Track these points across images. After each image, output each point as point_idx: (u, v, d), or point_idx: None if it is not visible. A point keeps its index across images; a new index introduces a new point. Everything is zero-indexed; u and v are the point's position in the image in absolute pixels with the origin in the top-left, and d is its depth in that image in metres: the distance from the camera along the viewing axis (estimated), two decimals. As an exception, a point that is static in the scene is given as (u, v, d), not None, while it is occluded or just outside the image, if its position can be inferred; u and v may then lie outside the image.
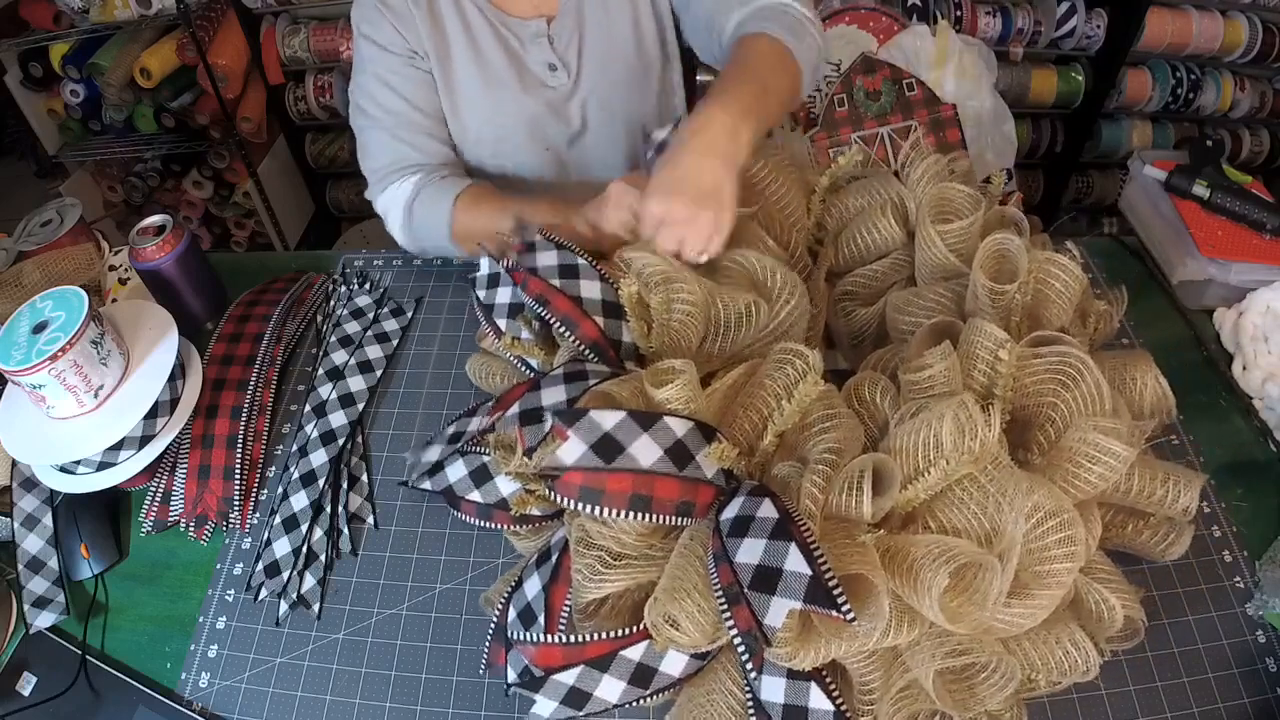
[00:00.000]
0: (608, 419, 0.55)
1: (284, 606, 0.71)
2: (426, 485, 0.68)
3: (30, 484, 0.79)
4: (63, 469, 0.74)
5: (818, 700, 0.52)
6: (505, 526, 0.66)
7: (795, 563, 0.49)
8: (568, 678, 0.54)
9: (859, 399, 0.65)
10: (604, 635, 0.54)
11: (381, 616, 0.71)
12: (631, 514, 0.54)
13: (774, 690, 0.52)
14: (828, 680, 0.53)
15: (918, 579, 0.51)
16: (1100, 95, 1.99)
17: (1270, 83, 2.06)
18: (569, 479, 0.54)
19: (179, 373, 0.78)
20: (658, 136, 0.82)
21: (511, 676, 0.59)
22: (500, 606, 0.62)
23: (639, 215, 0.71)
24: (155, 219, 0.90)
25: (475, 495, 0.66)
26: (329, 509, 0.76)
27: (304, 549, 0.73)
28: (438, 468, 0.69)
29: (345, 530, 0.76)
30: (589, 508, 0.54)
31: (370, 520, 0.77)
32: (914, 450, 0.55)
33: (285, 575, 0.72)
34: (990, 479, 0.54)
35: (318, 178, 2.32)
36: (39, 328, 0.70)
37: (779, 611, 0.48)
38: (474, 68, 0.94)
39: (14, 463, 0.80)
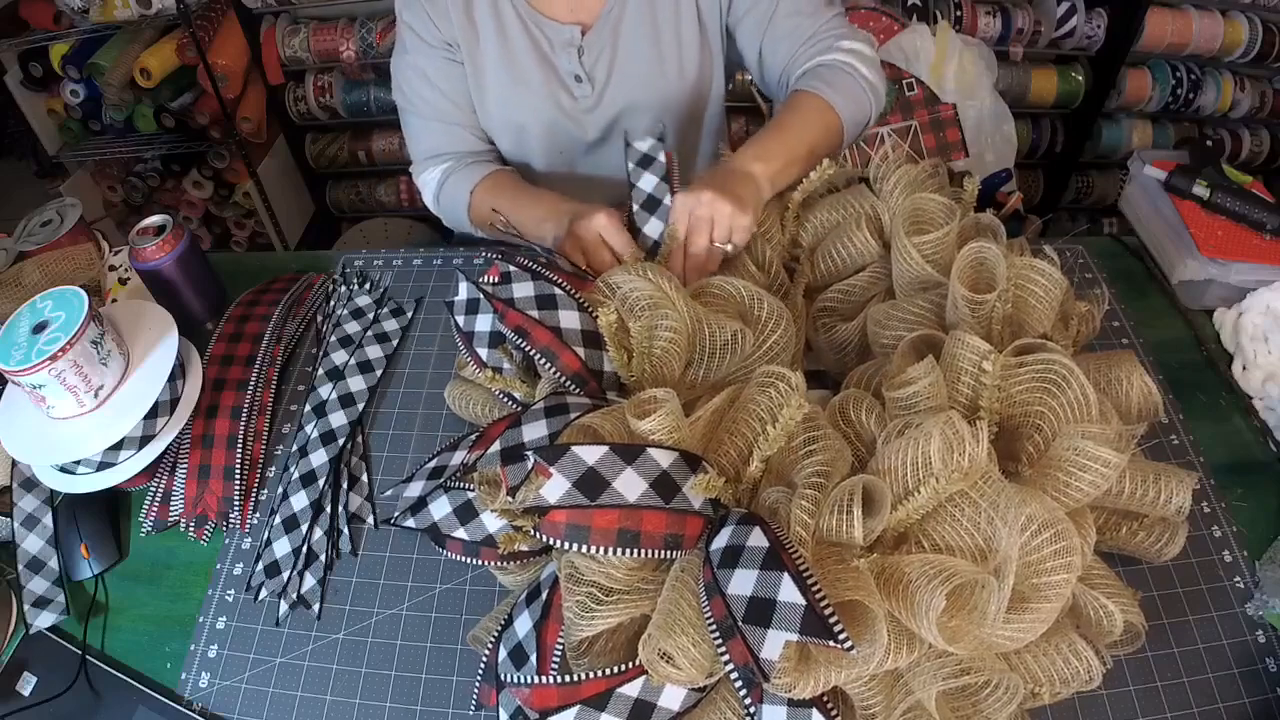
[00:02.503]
0: (590, 454, 0.54)
1: (284, 606, 0.71)
2: (410, 523, 0.67)
3: (30, 484, 0.80)
4: (63, 469, 0.74)
5: None
6: (492, 563, 0.65)
7: (789, 593, 0.47)
8: (565, 719, 0.53)
9: (845, 418, 0.64)
10: (599, 673, 0.53)
11: (381, 616, 0.71)
12: (619, 550, 0.53)
13: (775, 719, 0.51)
14: (829, 706, 0.52)
15: (914, 601, 0.50)
16: (1100, 95, 1.99)
17: (1270, 83, 2.06)
18: (554, 518, 0.53)
19: (179, 373, 0.78)
20: (640, 147, 0.83)
21: (504, 718, 0.57)
22: (490, 645, 0.61)
23: (674, 217, 0.76)
24: (155, 219, 0.90)
25: (461, 532, 0.65)
26: (329, 509, 0.76)
27: (304, 549, 0.73)
28: (421, 504, 0.67)
29: (345, 530, 0.76)
30: (576, 545, 0.53)
31: (370, 520, 0.77)
32: (902, 470, 0.54)
33: (285, 575, 0.72)
34: (981, 494, 0.53)
35: (318, 178, 2.32)
36: (39, 328, 0.70)
37: (775, 645, 0.47)
38: (502, 63, 0.95)
39: (14, 463, 0.80)
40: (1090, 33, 1.92)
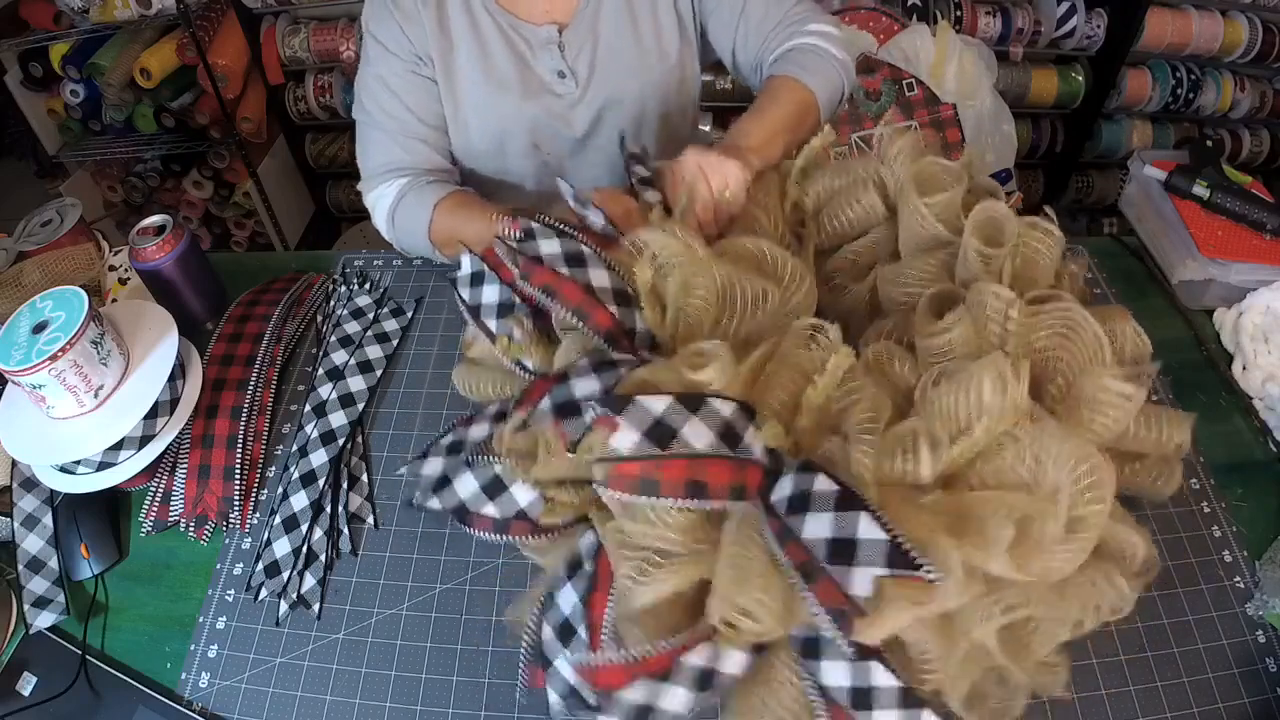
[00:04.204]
0: (657, 404, 0.53)
1: (284, 606, 0.71)
2: (435, 504, 0.64)
3: (30, 484, 0.79)
4: (63, 469, 0.74)
5: (882, 679, 0.50)
6: (522, 539, 0.62)
7: (869, 530, 0.48)
8: (633, 694, 0.51)
9: (879, 369, 0.65)
10: (663, 645, 0.52)
11: (381, 616, 0.71)
12: (689, 500, 0.51)
13: (837, 675, 0.50)
14: (888, 657, 0.51)
15: (982, 534, 0.51)
16: (1100, 95, 1.99)
17: (1270, 83, 2.06)
18: (624, 470, 0.51)
19: (179, 373, 0.78)
20: (633, 148, 0.84)
21: (553, 698, 0.55)
22: (531, 625, 0.59)
23: (675, 174, 0.79)
24: (155, 219, 0.90)
25: (490, 509, 0.62)
26: (329, 509, 0.76)
27: (304, 549, 0.73)
28: (444, 483, 0.64)
29: (345, 530, 0.76)
30: (647, 497, 0.51)
31: (370, 520, 0.77)
32: (954, 411, 0.56)
33: (285, 575, 0.72)
34: (1025, 431, 0.55)
35: (318, 178, 2.32)
36: (39, 328, 0.70)
37: (864, 581, 0.47)
38: (479, 70, 0.94)
39: (14, 463, 0.80)
40: (1090, 33, 1.92)
